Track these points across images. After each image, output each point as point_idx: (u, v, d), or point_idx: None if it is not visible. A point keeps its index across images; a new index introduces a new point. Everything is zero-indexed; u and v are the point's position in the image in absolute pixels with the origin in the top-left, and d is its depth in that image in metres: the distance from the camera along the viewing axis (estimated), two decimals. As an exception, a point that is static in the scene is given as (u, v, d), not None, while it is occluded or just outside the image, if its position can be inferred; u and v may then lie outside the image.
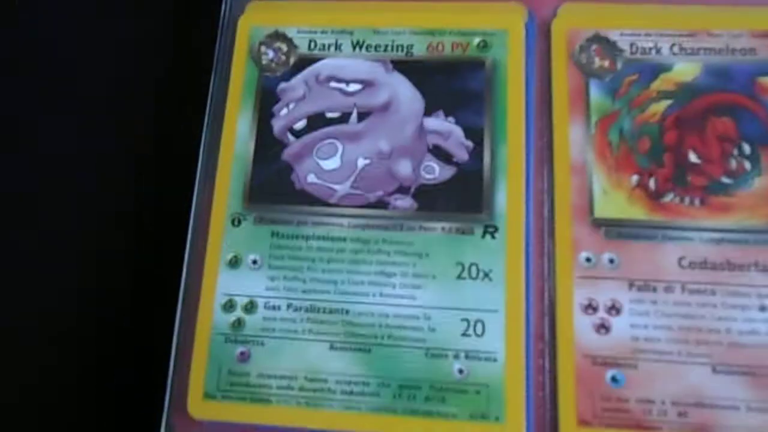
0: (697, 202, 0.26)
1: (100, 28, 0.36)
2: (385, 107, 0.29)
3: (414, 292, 0.26)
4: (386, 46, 0.30)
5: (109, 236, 0.32)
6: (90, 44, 0.35)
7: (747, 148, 0.27)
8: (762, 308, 0.25)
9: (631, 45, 0.29)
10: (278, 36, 0.31)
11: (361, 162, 0.29)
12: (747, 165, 0.27)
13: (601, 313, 0.26)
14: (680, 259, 0.26)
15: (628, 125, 0.28)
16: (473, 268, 0.27)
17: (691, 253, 0.26)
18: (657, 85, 0.28)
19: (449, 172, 0.28)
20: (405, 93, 0.29)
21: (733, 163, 0.27)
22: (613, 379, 0.25)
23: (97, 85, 0.34)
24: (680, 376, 0.25)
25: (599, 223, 0.27)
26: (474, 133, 0.28)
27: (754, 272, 0.25)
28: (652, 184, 0.27)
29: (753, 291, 0.25)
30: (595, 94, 0.28)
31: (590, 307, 0.26)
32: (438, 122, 0.29)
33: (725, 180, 0.27)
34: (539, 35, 0.30)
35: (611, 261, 0.26)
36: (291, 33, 0.31)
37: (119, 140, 0.33)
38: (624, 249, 0.26)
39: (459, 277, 0.26)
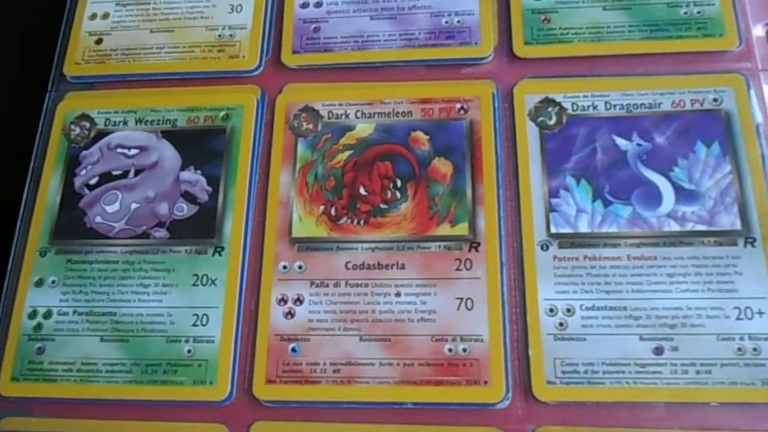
0: (362, 222, 0.37)
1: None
2: (154, 165, 0.40)
3: (162, 297, 0.37)
4: (158, 120, 0.41)
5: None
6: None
7: (399, 183, 0.38)
8: (397, 294, 0.35)
9: (329, 112, 0.40)
10: (84, 117, 0.42)
11: (134, 206, 0.39)
12: (398, 194, 0.38)
13: (290, 304, 0.36)
14: (347, 263, 0.36)
15: (321, 170, 0.39)
16: (205, 278, 0.37)
17: (355, 258, 0.36)
18: (344, 140, 0.39)
19: (194, 209, 0.39)
20: (168, 154, 0.40)
21: (389, 194, 0.38)
22: (293, 350, 0.35)
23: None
24: (338, 345, 0.35)
25: (294, 241, 0.37)
26: (214, 181, 0.39)
27: (395, 270, 0.36)
28: (333, 211, 0.38)
29: (392, 282, 0.36)
30: (301, 149, 0.39)
31: (282, 300, 0.36)
32: (189, 174, 0.39)
33: (383, 206, 0.37)
34: (268, 108, 0.41)
35: (300, 267, 0.37)
36: (93, 114, 0.42)
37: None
38: (310, 258, 0.37)
39: (194, 284, 0.37)
